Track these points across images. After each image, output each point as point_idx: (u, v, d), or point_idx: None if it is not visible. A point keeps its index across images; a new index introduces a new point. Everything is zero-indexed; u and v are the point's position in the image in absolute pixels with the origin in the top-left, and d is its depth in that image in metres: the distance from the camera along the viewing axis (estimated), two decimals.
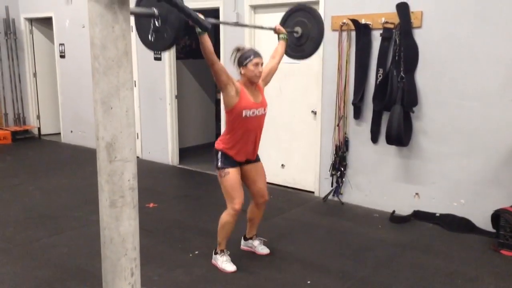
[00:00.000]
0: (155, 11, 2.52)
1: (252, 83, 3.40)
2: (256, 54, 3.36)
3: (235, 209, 3.45)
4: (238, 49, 3.45)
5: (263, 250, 3.84)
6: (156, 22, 2.51)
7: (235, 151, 3.45)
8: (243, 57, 3.35)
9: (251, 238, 3.88)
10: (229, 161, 3.45)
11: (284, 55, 3.86)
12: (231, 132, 3.43)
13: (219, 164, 3.45)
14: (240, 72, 3.39)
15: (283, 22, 3.96)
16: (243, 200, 3.49)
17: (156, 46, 2.64)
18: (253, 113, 3.38)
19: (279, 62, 3.74)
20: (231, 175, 3.43)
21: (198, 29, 3.01)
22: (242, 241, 3.92)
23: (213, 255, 3.64)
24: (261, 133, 3.56)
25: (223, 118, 6.14)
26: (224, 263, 3.56)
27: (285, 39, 3.80)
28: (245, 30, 5.67)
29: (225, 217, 3.52)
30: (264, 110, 3.49)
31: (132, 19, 1.71)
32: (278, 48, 3.78)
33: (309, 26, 3.89)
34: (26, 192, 5.54)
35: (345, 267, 3.64)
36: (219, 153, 3.47)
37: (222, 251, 3.60)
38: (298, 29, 3.92)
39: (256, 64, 3.33)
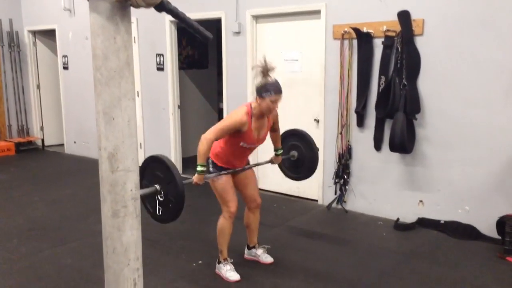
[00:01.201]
0: (157, 187, 2.89)
1: (264, 115, 3.42)
2: (278, 91, 3.29)
3: (230, 212, 3.49)
4: (264, 72, 3.31)
5: (267, 259, 3.83)
6: (159, 197, 2.90)
7: (224, 163, 3.51)
8: (264, 88, 3.28)
9: (254, 247, 3.87)
10: (220, 168, 3.50)
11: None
12: (223, 147, 3.47)
13: (211, 169, 3.51)
14: (256, 99, 3.37)
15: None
16: (238, 204, 3.53)
17: (165, 219, 2.97)
18: (248, 145, 3.45)
19: (275, 131, 3.76)
20: (223, 178, 3.48)
21: (197, 168, 3.23)
22: (246, 250, 3.91)
23: (217, 265, 3.63)
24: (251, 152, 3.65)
25: None
26: (228, 272, 3.55)
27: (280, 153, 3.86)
28: (247, 41, 5.70)
29: (222, 222, 3.55)
30: (261, 143, 3.58)
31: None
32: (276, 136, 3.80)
33: (304, 151, 3.96)
34: (30, 203, 5.55)
35: (349, 276, 3.62)
36: (210, 161, 3.53)
37: (225, 260, 3.59)
38: (294, 153, 3.97)
39: (274, 101, 3.31)
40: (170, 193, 2.86)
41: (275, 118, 3.59)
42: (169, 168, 2.84)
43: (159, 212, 2.94)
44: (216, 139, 3.28)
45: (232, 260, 3.63)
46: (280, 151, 3.83)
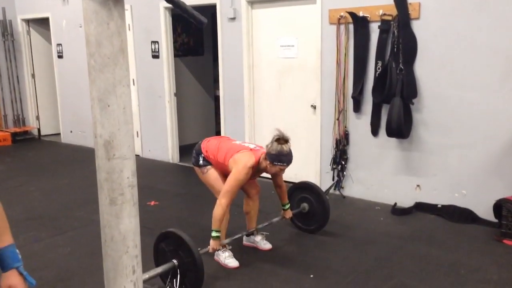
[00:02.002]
0: (175, 262, 3.10)
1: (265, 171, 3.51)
2: (289, 162, 3.39)
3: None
4: (280, 140, 3.37)
5: (266, 245, 3.84)
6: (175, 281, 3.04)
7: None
8: (278, 159, 3.34)
9: (252, 234, 3.88)
10: (210, 163, 3.65)
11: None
12: (214, 164, 3.61)
13: (201, 162, 3.66)
14: (265, 159, 3.40)
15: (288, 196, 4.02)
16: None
17: None
18: None
19: (280, 187, 3.83)
20: (213, 169, 3.63)
21: (212, 234, 3.32)
22: (244, 237, 3.92)
23: (215, 252, 3.64)
24: None
25: (222, 118, 6.14)
26: (227, 259, 3.56)
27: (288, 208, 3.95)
28: (243, 27, 5.65)
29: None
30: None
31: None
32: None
33: (313, 202, 4.06)
34: (27, 193, 5.54)
35: (348, 261, 3.64)
36: (202, 155, 3.65)
37: (223, 246, 3.60)
38: (305, 205, 4.10)
39: (282, 169, 3.42)
40: (188, 275, 3.04)
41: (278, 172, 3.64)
42: (195, 258, 3.03)
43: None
44: (231, 199, 3.36)
45: (230, 247, 3.64)
46: (287, 206, 3.91)
